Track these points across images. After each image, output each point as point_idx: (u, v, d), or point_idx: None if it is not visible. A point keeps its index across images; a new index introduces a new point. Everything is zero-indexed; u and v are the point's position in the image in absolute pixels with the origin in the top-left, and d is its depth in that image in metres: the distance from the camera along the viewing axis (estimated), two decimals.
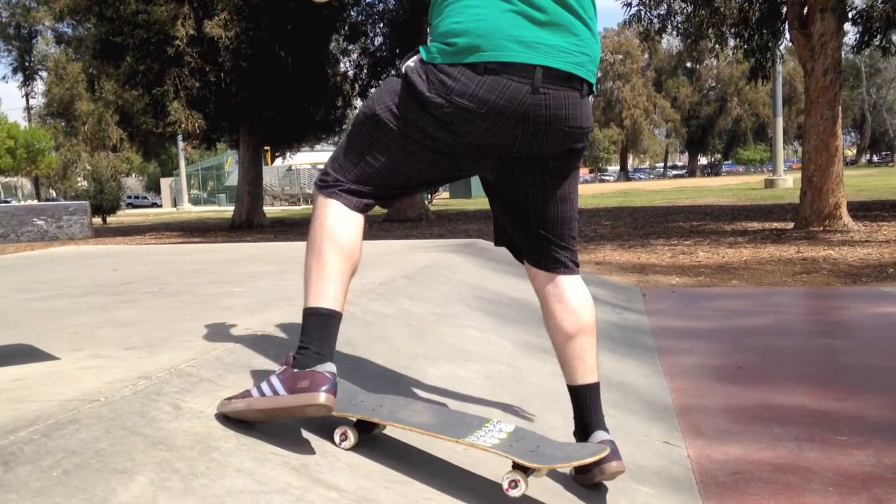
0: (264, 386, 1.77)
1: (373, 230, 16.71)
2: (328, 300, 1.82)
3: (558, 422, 2.67)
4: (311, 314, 1.82)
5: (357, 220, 1.88)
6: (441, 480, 1.91)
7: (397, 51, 21.08)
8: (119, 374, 1.94)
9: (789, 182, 28.92)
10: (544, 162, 1.87)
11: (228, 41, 17.43)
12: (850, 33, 27.76)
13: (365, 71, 22.12)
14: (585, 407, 2.09)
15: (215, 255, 6.25)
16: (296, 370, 1.76)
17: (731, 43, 15.71)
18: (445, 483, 1.90)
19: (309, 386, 1.72)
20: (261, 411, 1.74)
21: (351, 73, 22.63)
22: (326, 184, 1.89)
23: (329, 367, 1.77)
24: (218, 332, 2.50)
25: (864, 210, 14.45)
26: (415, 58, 1.81)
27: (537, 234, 2.01)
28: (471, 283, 5.89)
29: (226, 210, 33.18)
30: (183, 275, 4.65)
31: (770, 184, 30.26)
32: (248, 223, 20.74)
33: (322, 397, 1.70)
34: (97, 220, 28.54)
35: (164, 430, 1.64)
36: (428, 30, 1.89)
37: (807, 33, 11.22)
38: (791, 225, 11.70)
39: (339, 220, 1.85)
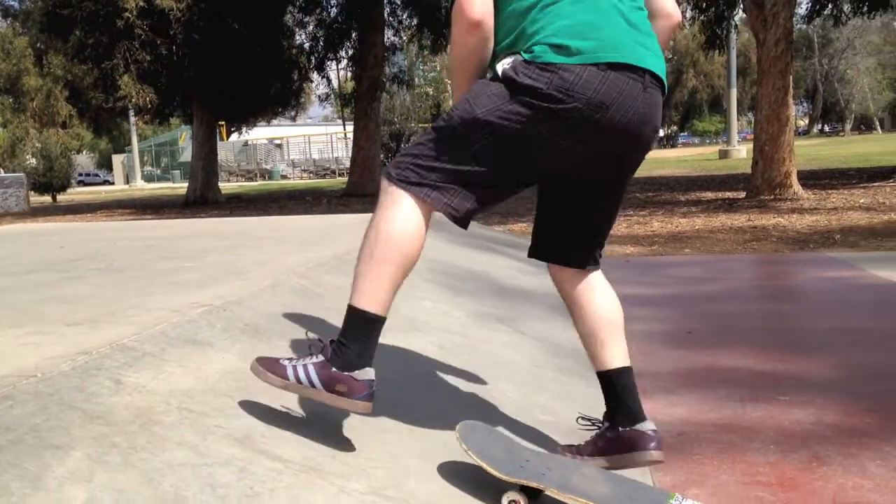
0: (300, 371, 1.76)
1: (331, 205, 16.59)
2: (380, 306, 1.76)
3: (509, 389, 2.70)
4: (358, 316, 1.76)
5: (424, 228, 1.79)
6: (391, 448, 1.92)
7: (353, 23, 20.81)
8: (59, 349, 1.91)
9: (743, 152, 29.35)
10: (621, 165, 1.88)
11: (180, 13, 17.03)
12: (803, 3, 28.17)
13: (321, 43, 21.81)
14: (629, 390, 2.00)
15: (167, 230, 6.15)
16: (334, 370, 1.74)
17: (689, 14, 15.81)
18: (394, 452, 1.91)
19: (347, 392, 1.72)
20: (294, 391, 1.79)
21: (307, 45, 22.30)
22: (407, 180, 1.76)
23: (368, 375, 1.76)
24: (164, 307, 2.47)
25: (815, 179, 14.75)
26: (511, 60, 1.73)
27: (589, 236, 2.01)
28: (425, 256, 5.85)
29: (180, 187, 32.67)
30: (132, 251, 4.57)
31: (724, 154, 30.70)
32: (203, 200, 20.44)
33: (359, 406, 1.73)
34: (47, 199, 27.87)
35: (104, 404, 1.62)
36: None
37: (759, 3, 11.32)
38: (743, 194, 11.90)
39: (412, 224, 1.75)
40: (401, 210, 1.75)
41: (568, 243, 2.01)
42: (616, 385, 2.00)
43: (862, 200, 10.41)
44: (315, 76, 23.11)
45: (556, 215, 2.01)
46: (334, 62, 22.73)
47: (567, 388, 3.00)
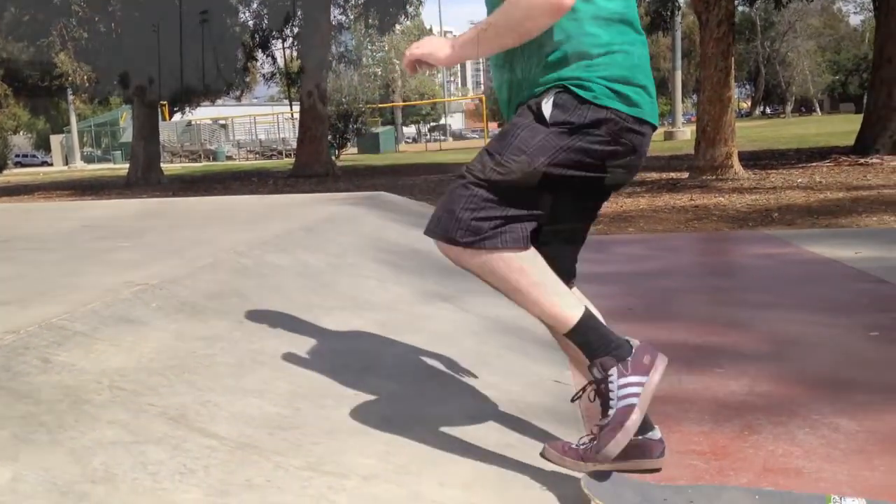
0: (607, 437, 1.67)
1: (278, 186, 16.38)
2: (577, 307, 1.71)
3: (452, 366, 2.71)
4: (577, 330, 1.70)
5: (530, 246, 1.74)
6: (330, 425, 1.91)
7: (298, 1, 20.47)
8: None
9: (687, 134, 29.80)
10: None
11: None
12: None
13: (265, 21, 21.43)
14: None
15: (104, 211, 6.00)
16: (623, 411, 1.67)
17: None
18: (333, 428, 1.90)
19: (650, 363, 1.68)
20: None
21: (251, 23, 21.89)
22: (481, 232, 1.68)
23: (657, 358, 1.71)
24: (97, 286, 2.41)
25: (755, 159, 15.07)
26: (562, 98, 1.67)
27: (576, 249, 2.02)
28: (371, 235, 5.86)
29: (121, 168, 31.88)
30: (68, 231, 4.45)
31: (669, 136, 31.15)
32: (145, 181, 19.99)
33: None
34: None
35: (31, 384, 1.58)
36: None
37: None
38: (686, 175, 12.11)
39: (521, 253, 1.72)
40: (506, 262, 1.71)
41: (565, 258, 1.99)
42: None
43: (800, 180, 10.68)
44: (260, 55, 22.70)
45: (556, 229, 1.95)
46: (279, 41, 22.34)
47: (511, 364, 3.03)
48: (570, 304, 1.72)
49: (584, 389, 1.83)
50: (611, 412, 1.66)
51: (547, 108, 1.66)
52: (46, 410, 1.49)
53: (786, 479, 2.02)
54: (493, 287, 1.77)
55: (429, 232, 1.75)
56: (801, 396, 2.59)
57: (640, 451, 1.87)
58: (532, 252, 1.74)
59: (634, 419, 1.64)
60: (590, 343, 1.71)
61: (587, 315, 1.72)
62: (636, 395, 1.65)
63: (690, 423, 2.39)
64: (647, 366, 1.67)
